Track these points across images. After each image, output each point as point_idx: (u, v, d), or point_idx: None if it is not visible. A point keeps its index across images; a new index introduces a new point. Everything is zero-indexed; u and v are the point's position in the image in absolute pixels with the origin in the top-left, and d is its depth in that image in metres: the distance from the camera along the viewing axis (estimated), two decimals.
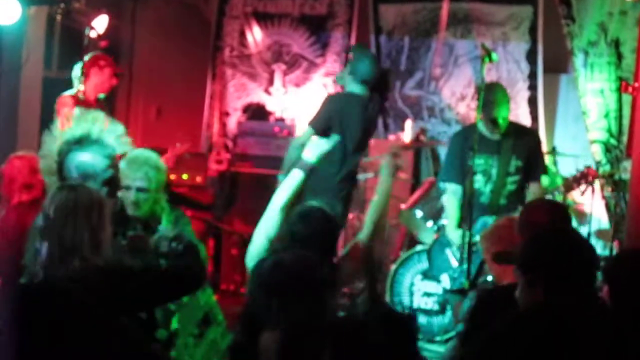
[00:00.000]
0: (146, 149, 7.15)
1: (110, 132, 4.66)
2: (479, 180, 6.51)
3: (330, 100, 7.02)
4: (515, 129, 6.73)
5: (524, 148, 6.61)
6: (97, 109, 7.08)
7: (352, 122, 6.79)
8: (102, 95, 7.47)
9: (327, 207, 6.20)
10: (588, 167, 6.56)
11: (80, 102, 7.11)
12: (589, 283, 3.32)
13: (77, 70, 7.28)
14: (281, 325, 3.25)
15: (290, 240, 4.50)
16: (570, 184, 6.47)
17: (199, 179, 9.04)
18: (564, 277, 3.25)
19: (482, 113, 6.39)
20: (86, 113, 5.08)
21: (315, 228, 4.54)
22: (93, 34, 7.64)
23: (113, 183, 4.35)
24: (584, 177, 6.42)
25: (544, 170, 6.75)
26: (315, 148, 5.32)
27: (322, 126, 6.77)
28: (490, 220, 6.44)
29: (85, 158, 4.34)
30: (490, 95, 6.46)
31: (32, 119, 8.31)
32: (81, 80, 7.24)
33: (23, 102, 8.31)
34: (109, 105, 7.63)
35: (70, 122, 6.50)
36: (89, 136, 4.47)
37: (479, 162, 6.46)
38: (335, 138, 6.47)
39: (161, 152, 7.83)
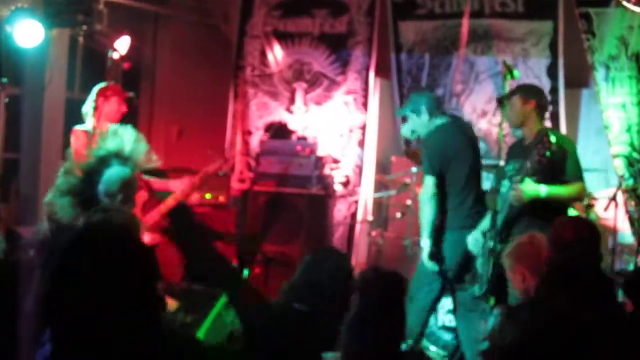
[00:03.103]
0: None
1: (139, 148, 4.73)
2: (505, 185, 6.41)
3: (426, 145, 6.90)
4: (541, 131, 6.31)
5: (535, 148, 6.05)
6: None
7: (456, 152, 6.71)
8: (111, 126, 7.16)
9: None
10: None
11: (90, 137, 6.98)
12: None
13: (87, 106, 7.15)
14: None
15: None
16: None
17: (221, 199, 9.05)
18: None
19: None
20: (117, 131, 5.07)
21: None
22: (115, 56, 7.66)
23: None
24: None
25: (559, 174, 6.19)
26: None
27: (437, 169, 6.70)
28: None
29: (125, 173, 4.47)
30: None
31: (55, 139, 8.38)
32: (92, 114, 7.06)
33: (46, 123, 8.39)
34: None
35: (82, 157, 6.56)
36: (124, 152, 4.58)
37: (509, 167, 6.37)
38: None
39: (186, 172, 7.86)
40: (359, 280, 4.04)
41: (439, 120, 6.85)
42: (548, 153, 5.83)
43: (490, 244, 6.18)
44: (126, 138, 4.82)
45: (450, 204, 6.69)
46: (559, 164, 6.12)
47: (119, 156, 4.64)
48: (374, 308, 3.87)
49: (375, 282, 3.99)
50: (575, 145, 6.45)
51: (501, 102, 6.55)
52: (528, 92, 6.46)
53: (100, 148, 4.75)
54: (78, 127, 7.01)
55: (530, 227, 5.88)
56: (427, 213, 6.63)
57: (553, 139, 5.89)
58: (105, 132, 6.75)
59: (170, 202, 7.08)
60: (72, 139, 6.91)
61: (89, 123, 6.94)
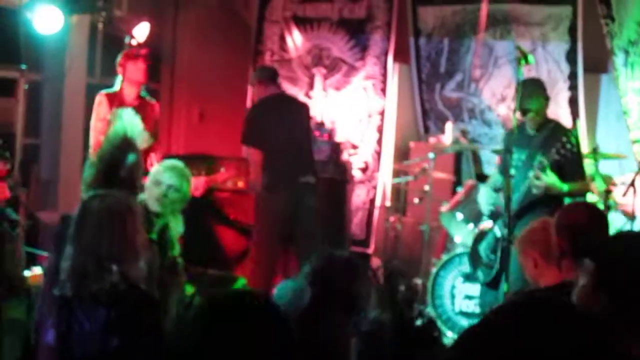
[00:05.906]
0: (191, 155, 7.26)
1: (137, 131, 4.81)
2: (519, 174, 6.39)
3: (247, 115, 8.01)
4: (553, 126, 6.49)
5: (555, 146, 6.18)
6: (135, 106, 7.07)
7: (270, 123, 7.62)
8: (144, 93, 7.26)
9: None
10: None
11: (116, 99, 7.02)
12: None
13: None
14: None
15: None
16: None
17: (240, 184, 9.09)
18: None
19: (518, 105, 6.34)
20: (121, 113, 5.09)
21: None
22: (134, 42, 7.70)
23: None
24: None
25: (577, 174, 6.36)
26: None
27: (250, 139, 7.70)
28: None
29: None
30: (523, 88, 6.37)
31: (75, 125, 8.44)
32: (120, 72, 7.14)
33: (67, 109, 8.45)
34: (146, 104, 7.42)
35: (103, 122, 6.65)
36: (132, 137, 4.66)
37: (514, 156, 6.36)
38: None
39: (207, 160, 7.95)
40: (309, 271, 3.95)
41: (270, 90, 7.80)
42: (570, 150, 6.05)
43: (498, 232, 6.23)
44: (127, 122, 4.89)
45: (271, 168, 7.57)
46: (577, 162, 6.35)
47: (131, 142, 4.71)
48: (323, 298, 3.72)
49: (323, 271, 3.79)
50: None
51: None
52: (542, 88, 6.57)
53: (114, 135, 4.79)
54: (103, 92, 7.12)
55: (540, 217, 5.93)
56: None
57: (573, 139, 6.14)
58: (115, 116, 6.86)
59: None
60: (95, 103, 7.05)
61: (117, 85, 7.09)
